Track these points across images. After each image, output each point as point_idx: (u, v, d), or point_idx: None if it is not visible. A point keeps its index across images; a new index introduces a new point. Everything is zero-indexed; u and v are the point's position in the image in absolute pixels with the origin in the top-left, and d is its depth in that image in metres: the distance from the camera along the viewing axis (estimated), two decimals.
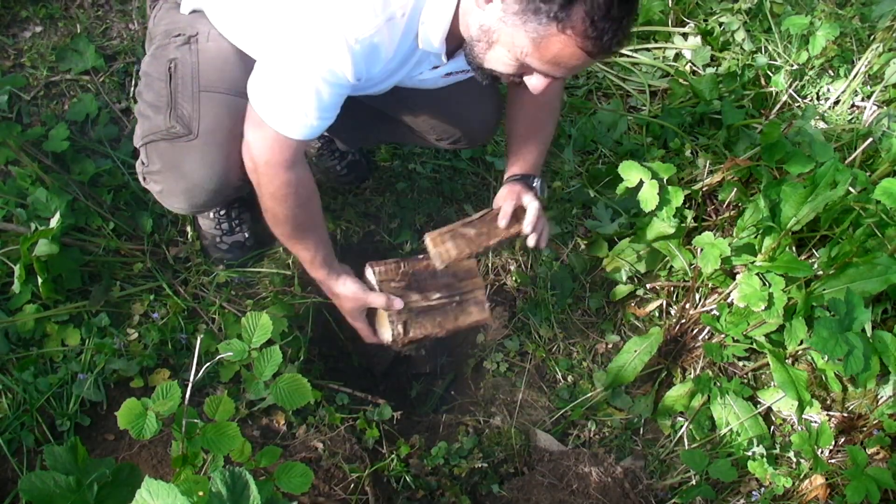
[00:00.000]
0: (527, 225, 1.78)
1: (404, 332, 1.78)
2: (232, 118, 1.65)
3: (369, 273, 1.82)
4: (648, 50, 3.00)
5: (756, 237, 2.13)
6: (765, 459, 1.99)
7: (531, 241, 1.82)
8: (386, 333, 1.84)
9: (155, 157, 1.74)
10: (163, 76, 1.72)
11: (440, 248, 1.74)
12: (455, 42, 1.53)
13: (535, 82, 1.47)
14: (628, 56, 2.96)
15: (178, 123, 1.68)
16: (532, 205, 1.78)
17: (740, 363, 2.27)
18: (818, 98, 2.89)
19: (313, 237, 1.72)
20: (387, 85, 1.70)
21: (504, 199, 1.81)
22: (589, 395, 2.21)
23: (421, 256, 1.84)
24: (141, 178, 1.83)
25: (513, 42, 1.37)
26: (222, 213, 2.14)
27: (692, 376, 2.21)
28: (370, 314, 1.88)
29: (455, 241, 1.75)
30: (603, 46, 1.32)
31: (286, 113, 1.49)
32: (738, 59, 2.92)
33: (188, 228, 2.21)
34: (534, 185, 1.87)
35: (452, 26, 1.49)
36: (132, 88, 2.35)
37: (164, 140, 1.70)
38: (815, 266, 2.08)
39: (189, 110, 1.68)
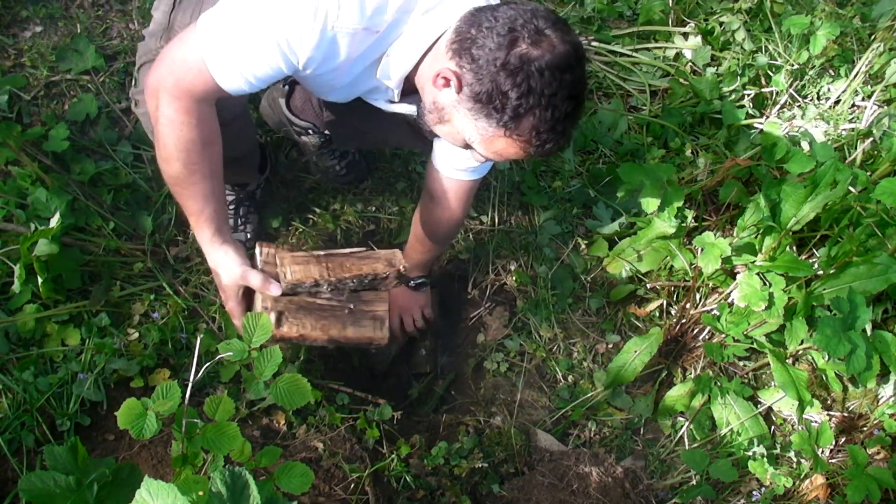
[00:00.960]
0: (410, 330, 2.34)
1: (276, 325, 1.61)
2: None
3: (257, 252, 1.69)
4: (649, 50, 3.00)
5: (756, 237, 2.13)
6: (765, 459, 1.99)
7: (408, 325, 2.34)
8: None
9: (143, 78, 1.68)
10: (167, 7, 1.71)
11: (287, 267, 1.61)
12: (410, 87, 1.55)
13: (477, 156, 1.55)
14: (629, 56, 2.96)
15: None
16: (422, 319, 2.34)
17: (741, 363, 2.27)
18: (818, 98, 2.89)
19: (203, 187, 1.59)
20: (343, 95, 1.67)
21: (403, 310, 2.30)
22: (589, 395, 2.21)
23: (323, 253, 1.70)
24: (133, 104, 1.78)
25: (462, 128, 1.46)
26: (231, 208, 2.14)
27: (692, 376, 2.21)
28: (249, 298, 1.73)
29: (306, 267, 1.63)
30: (544, 151, 1.44)
31: (226, 56, 1.42)
32: (738, 59, 2.92)
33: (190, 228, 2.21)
34: (424, 290, 2.32)
35: (411, 74, 1.51)
36: (131, 88, 2.35)
37: (153, 60, 1.64)
38: (816, 266, 2.08)
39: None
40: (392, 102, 1.65)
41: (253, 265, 1.69)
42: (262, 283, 1.63)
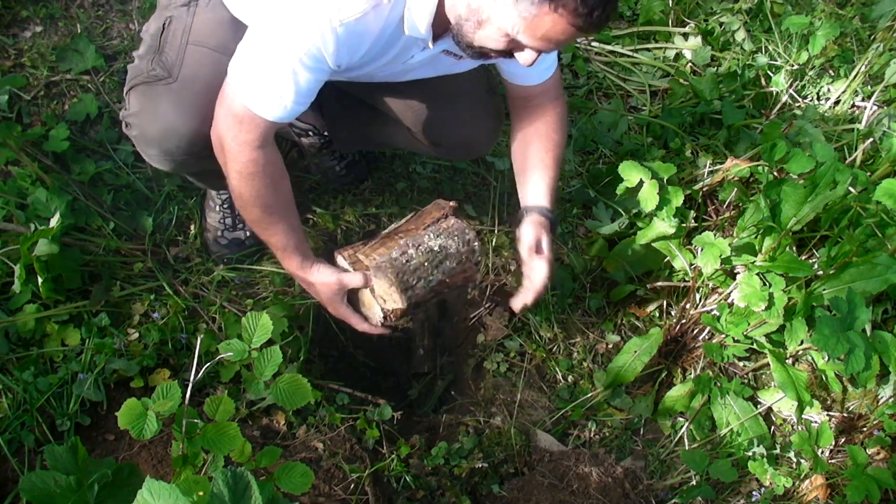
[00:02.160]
0: (531, 291, 1.82)
1: (405, 302, 1.70)
2: (213, 72, 1.64)
3: (340, 261, 1.79)
4: (649, 50, 3.00)
5: (756, 237, 2.13)
6: (765, 459, 1.99)
7: (517, 304, 1.84)
8: (376, 313, 1.79)
9: (134, 100, 1.73)
10: (157, 31, 1.74)
11: (371, 257, 1.71)
12: (441, 27, 1.53)
13: (525, 57, 1.48)
14: (629, 56, 2.96)
15: (159, 67, 1.69)
16: (544, 269, 1.81)
17: (740, 363, 2.27)
18: (818, 98, 2.89)
19: (284, 223, 1.68)
20: (372, 69, 1.68)
21: (530, 234, 1.84)
22: (589, 395, 2.21)
23: (387, 231, 1.80)
24: (124, 125, 1.81)
25: (504, 20, 1.39)
26: (227, 206, 2.15)
27: (692, 376, 2.21)
28: (353, 301, 1.83)
29: (385, 248, 1.72)
30: (593, 22, 1.34)
31: (261, 92, 1.48)
32: (738, 59, 2.92)
33: (191, 228, 2.21)
34: (555, 229, 1.90)
35: (439, 10, 1.49)
36: (122, 111, 2.35)
37: (145, 83, 1.71)
38: (816, 266, 2.08)
39: (173, 57, 1.70)
40: (426, 50, 1.63)
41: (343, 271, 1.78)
42: (363, 280, 1.73)
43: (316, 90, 1.54)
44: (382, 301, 1.75)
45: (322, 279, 1.76)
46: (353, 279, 1.75)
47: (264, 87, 1.48)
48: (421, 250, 1.71)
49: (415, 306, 1.75)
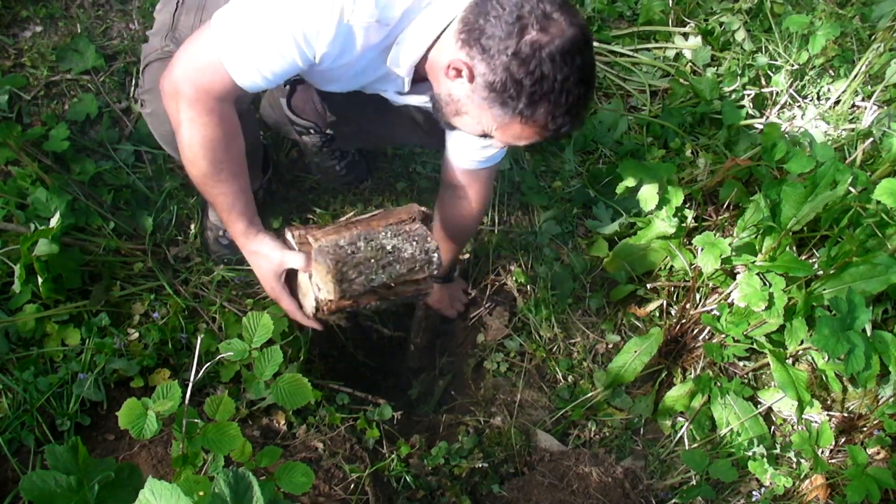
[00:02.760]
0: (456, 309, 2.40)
1: (337, 296, 1.58)
2: None
3: (288, 236, 1.70)
4: (649, 50, 3.00)
5: (756, 237, 2.13)
6: (765, 459, 1.99)
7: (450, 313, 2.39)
8: (310, 302, 1.68)
9: (149, 77, 1.72)
10: (170, 9, 1.72)
11: (320, 241, 1.61)
12: (420, 76, 1.55)
13: (496, 143, 1.58)
14: (629, 56, 2.96)
15: (172, 43, 1.67)
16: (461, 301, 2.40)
17: (740, 363, 2.27)
18: (818, 98, 2.89)
19: (232, 183, 1.62)
20: (346, 86, 1.68)
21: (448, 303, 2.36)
22: (589, 395, 2.21)
23: (345, 219, 1.71)
24: (139, 104, 1.80)
25: (479, 118, 1.48)
26: None
27: (692, 376, 2.21)
28: (290, 283, 1.74)
29: (337, 234, 1.63)
30: (560, 135, 1.47)
31: (241, 53, 1.44)
32: (738, 59, 2.92)
33: (191, 227, 2.21)
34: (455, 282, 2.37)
35: (420, 63, 1.52)
36: (132, 88, 2.35)
37: (159, 59, 1.69)
38: (816, 266, 2.09)
39: (186, 32, 1.67)
40: (401, 94, 1.65)
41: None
42: (304, 263, 1.65)
43: (287, 75, 1.50)
44: (317, 289, 1.64)
45: (263, 251, 1.69)
46: (294, 259, 1.66)
47: (247, 51, 1.44)
48: (371, 245, 1.61)
49: (351, 303, 1.62)
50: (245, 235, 1.69)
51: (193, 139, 1.54)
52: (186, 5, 1.71)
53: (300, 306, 1.75)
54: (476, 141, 1.79)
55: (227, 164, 1.59)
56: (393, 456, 1.95)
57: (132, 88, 2.35)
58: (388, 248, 1.63)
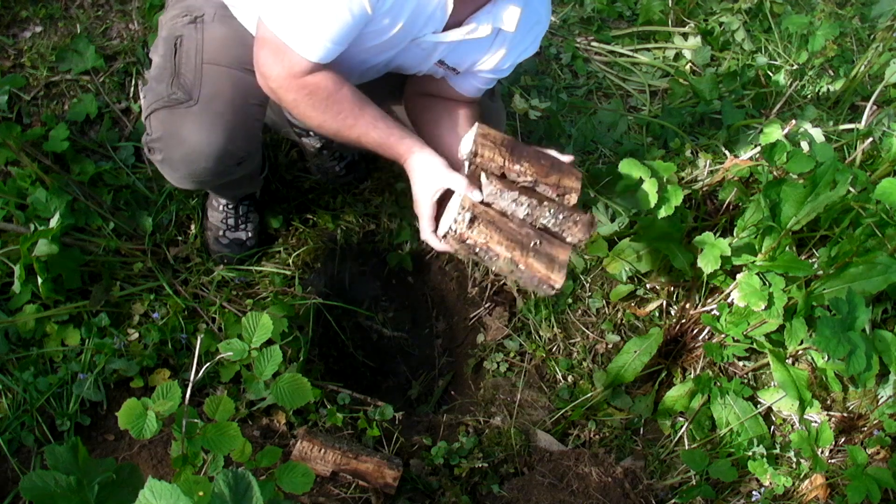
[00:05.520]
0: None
1: (468, 225, 1.53)
2: (233, 89, 1.67)
3: (467, 141, 1.62)
4: (648, 50, 3.00)
5: (756, 237, 2.13)
6: (765, 459, 1.99)
7: None
8: (445, 223, 1.61)
9: (157, 125, 1.74)
10: (169, 52, 1.74)
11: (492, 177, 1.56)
12: (455, 21, 1.56)
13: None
14: (629, 56, 2.96)
15: (179, 90, 1.70)
16: None
17: (740, 363, 2.27)
18: (818, 98, 2.89)
19: (365, 121, 1.63)
20: (396, 34, 1.64)
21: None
22: (589, 395, 2.21)
23: (533, 150, 1.64)
24: (146, 150, 1.82)
25: None
26: (231, 206, 2.16)
27: (692, 376, 2.21)
28: (440, 209, 1.67)
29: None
30: None
31: (301, 33, 1.49)
32: (738, 59, 2.92)
33: (191, 228, 2.21)
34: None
35: None
36: (132, 88, 2.35)
37: (166, 107, 1.71)
38: (815, 266, 2.08)
39: (191, 79, 1.70)
40: (437, 34, 1.63)
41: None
42: (467, 186, 1.58)
43: (352, 35, 1.52)
44: (455, 216, 1.56)
45: (424, 168, 1.64)
46: (459, 182, 1.59)
47: (305, 28, 1.48)
48: (529, 216, 1.59)
49: (466, 247, 1.57)
50: (411, 151, 1.65)
51: (307, 114, 1.61)
52: (185, 49, 1.73)
53: (436, 227, 1.68)
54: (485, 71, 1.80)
55: (347, 111, 1.61)
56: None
57: (132, 89, 2.35)
58: (541, 226, 1.61)
